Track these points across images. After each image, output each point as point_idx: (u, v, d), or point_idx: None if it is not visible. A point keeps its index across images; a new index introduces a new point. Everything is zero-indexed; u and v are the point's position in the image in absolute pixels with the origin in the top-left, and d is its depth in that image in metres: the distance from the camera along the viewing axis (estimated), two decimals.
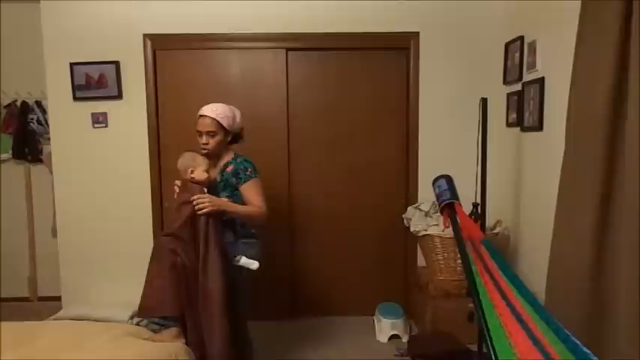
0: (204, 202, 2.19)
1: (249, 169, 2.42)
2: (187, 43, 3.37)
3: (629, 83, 1.86)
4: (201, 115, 2.38)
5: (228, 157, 2.46)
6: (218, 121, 2.36)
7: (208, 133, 2.37)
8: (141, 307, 2.18)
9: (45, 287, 3.85)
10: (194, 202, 2.19)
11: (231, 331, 2.20)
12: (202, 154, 2.40)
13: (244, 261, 2.34)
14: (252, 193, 2.40)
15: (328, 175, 3.56)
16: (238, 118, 2.48)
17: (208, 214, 2.20)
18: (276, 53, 3.42)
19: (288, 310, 3.58)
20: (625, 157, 1.87)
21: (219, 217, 2.28)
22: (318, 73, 3.50)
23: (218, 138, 2.39)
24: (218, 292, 2.15)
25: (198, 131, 2.39)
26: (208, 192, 2.31)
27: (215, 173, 2.44)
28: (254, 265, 2.35)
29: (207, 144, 2.38)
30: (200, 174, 2.31)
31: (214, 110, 2.37)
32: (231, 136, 2.48)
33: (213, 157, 2.45)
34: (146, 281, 2.20)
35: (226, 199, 2.36)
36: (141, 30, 3.34)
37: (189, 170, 2.32)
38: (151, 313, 2.23)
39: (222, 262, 2.21)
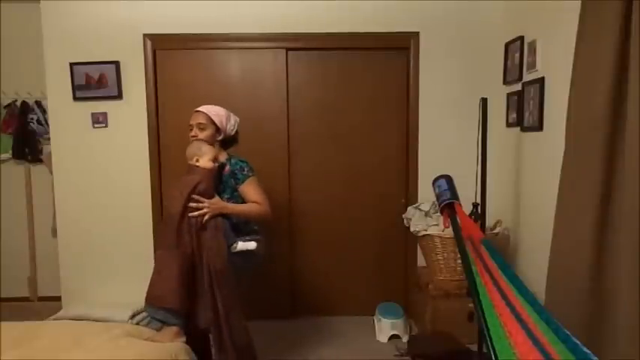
0: (203, 209, 2.25)
1: (246, 169, 2.46)
2: (187, 43, 3.37)
3: (629, 83, 1.86)
4: (195, 111, 2.49)
5: (221, 158, 2.50)
6: (209, 116, 2.45)
7: (198, 126, 2.45)
8: (150, 295, 2.20)
9: (45, 287, 3.85)
10: (193, 212, 2.24)
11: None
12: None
13: (242, 245, 2.35)
14: (251, 191, 2.43)
15: (328, 175, 3.56)
16: (233, 121, 2.54)
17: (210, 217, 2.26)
18: (276, 53, 3.42)
19: (288, 310, 3.58)
20: (625, 157, 1.87)
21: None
22: (319, 73, 3.50)
23: (207, 132, 2.45)
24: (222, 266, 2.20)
25: (189, 125, 2.48)
26: (214, 178, 2.39)
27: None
28: (251, 244, 2.37)
29: (195, 136, 2.45)
30: (206, 162, 2.37)
31: (208, 107, 2.49)
32: (223, 137, 2.51)
33: None
34: (155, 270, 2.23)
35: (225, 201, 2.39)
36: (141, 30, 3.34)
37: (195, 158, 2.38)
38: (159, 302, 2.21)
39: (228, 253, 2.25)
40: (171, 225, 2.23)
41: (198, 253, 2.21)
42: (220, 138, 2.50)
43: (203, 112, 2.45)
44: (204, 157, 2.37)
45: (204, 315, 2.17)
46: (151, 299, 2.21)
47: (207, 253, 2.20)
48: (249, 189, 2.43)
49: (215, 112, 2.47)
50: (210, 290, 2.18)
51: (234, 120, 2.54)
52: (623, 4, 1.88)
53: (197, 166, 2.37)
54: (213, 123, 2.45)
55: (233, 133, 2.55)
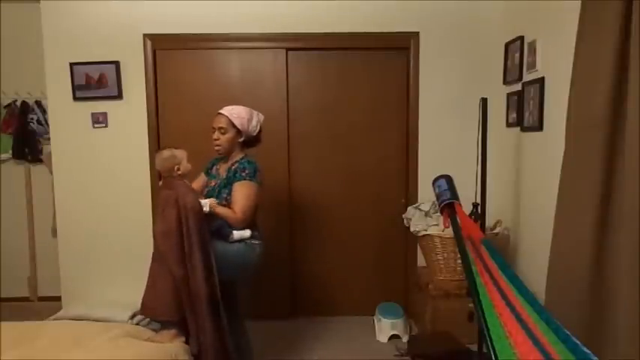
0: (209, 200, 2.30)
1: (247, 170, 2.39)
2: (187, 43, 3.37)
3: (629, 83, 1.86)
4: (218, 113, 2.46)
5: (237, 157, 2.48)
6: (230, 119, 2.41)
7: (219, 130, 2.42)
8: (144, 306, 2.19)
9: (45, 287, 3.86)
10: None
11: (227, 329, 2.20)
12: (215, 151, 2.45)
13: (237, 234, 2.33)
14: (238, 194, 2.35)
15: (328, 175, 3.56)
16: (255, 122, 2.49)
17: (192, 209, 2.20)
18: (276, 53, 3.42)
19: (288, 310, 3.58)
20: (625, 157, 1.87)
21: (200, 213, 2.24)
22: (319, 73, 3.50)
23: (229, 135, 2.42)
24: (204, 290, 2.14)
25: (212, 127, 2.45)
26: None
27: (224, 172, 2.47)
28: (247, 232, 2.35)
29: (217, 139, 2.43)
30: (185, 166, 2.35)
31: (230, 109, 2.44)
32: (245, 138, 2.48)
33: (225, 155, 2.49)
34: (149, 282, 2.20)
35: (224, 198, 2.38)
36: (141, 30, 3.34)
37: (176, 167, 2.33)
38: (154, 315, 2.22)
39: (207, 260, 2.18)
40: (165, 243, 2.19)
41: (190, 272, 2.15)
42: (242, 140, 2.47)
43: (225, 115, 2.41)
44: (183, 162, 2.34)
45: (194, 341, 2.15)
46: (146, 310, 2.21)
47: (197, 278, 2.15)
48: (238, 191, 2.35)
49: (237, 114, 2.42)
50: (195, 311, 2.14)
51: (256, 120, 2.50)
52: (623, 4, 1.88)
53: (179, 176, 2.32)
54: (234, 126, 2.42)
55: (255, 133, 2.51)
